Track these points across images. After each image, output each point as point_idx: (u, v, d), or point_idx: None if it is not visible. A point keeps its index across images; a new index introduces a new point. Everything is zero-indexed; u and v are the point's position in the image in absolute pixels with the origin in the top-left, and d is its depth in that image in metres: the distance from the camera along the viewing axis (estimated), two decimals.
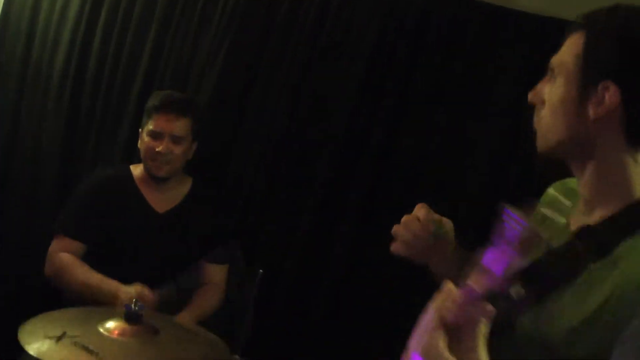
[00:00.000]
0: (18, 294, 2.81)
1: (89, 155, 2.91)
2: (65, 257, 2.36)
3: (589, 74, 1.11)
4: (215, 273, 2.53)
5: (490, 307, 0.85)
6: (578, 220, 1.16)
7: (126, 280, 2.33)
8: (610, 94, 1.07)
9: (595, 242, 1.08)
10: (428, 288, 0.99)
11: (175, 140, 2.40)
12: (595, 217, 1.12)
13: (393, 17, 2.68)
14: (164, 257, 2.44)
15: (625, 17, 1.11)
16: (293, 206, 2.76)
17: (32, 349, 1.53)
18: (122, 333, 1.72)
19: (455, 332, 0.85)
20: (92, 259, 2.40)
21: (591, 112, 1.09)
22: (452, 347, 0.84)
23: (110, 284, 2.23)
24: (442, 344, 0.83)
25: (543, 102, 1.17)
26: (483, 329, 0.85)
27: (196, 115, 2.49)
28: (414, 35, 2.66)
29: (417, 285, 2.37)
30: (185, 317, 2.33)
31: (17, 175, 2.99)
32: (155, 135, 2.40)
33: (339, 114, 2.72)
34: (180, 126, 2.41)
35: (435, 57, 2.65)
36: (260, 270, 1.96)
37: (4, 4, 2.97)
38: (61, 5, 2.91)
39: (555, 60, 1.16)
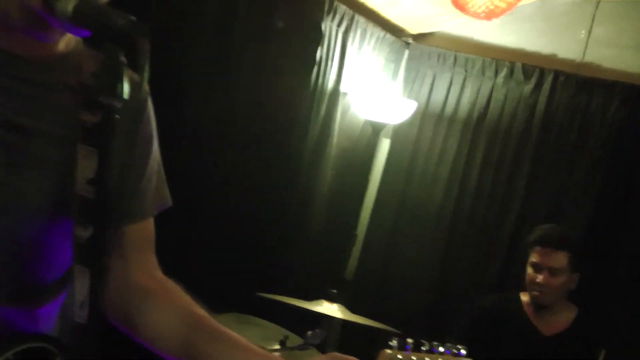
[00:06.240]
0: None
1: (461, 281, 3.18)
2: None
3: None
4: None
5: None
6: None
7: None
8: None
9: None
10: None
11: (553, 272, 2.62)
12: None
13: None
14: None
15: None
16: None
17: None
18: None
19: None
20: None
21: None
22: None
23: None
24: None
25: None
26: None
27: (574, 249, 2.68)
28: None
29: None
30: None
31: (392, 296, 3.37)
32: (536, 267, 2.66)
33: None
34: (557, 260, 2.63)
35: None
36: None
37: (389, 150, 3.49)
38: (440, 148, 3.33)
39: None
